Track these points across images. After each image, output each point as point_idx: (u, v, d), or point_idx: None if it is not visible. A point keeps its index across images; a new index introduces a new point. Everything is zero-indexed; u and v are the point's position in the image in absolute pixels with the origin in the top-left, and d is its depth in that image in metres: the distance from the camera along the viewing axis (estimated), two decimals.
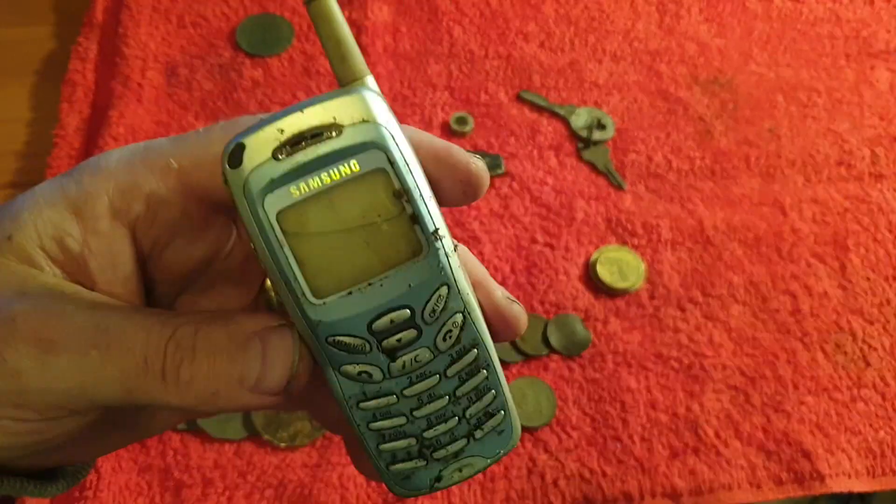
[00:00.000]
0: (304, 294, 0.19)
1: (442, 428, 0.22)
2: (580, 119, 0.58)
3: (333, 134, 0.19)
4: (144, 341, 0.20)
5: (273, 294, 0.24)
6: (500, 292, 0.23)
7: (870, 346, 0.50)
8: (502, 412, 0.23)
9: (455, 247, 0.21)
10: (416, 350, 0.21)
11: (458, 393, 0.22)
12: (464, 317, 0.21)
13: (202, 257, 0.24)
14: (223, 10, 0.62)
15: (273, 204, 0.19)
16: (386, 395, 0.21)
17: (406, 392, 0.21)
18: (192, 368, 0.20)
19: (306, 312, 0.20)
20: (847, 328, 0.51)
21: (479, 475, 0.44)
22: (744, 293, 0.52)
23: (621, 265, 0.52)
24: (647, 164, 0.57)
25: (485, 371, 0.22)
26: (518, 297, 0.51)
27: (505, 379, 0.23)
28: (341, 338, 0.20)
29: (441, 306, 0.20)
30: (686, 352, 0.49)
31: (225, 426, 0.45)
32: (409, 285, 0.20)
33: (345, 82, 0.21)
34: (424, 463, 0.22)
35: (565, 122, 0.59)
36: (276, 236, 0.19)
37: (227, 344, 0.20)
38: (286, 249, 0.19)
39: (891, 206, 0.56)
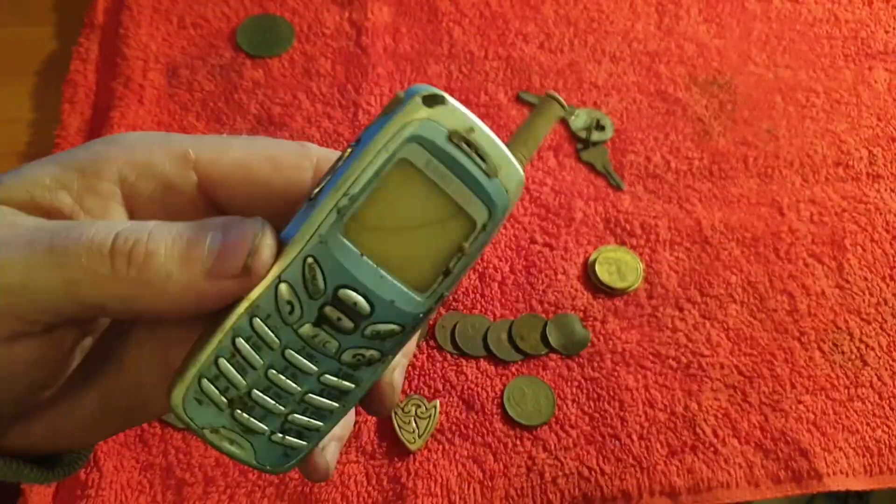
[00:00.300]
0: (343, 214, 0.20)
1: (269, 402, 0.22)
2: (579, 120, 0.59)
3: (489, 172, 0.20)
4: (93, 232, 0.19)
5: None
6: (400, 376, 0.24)
7: (867, 346, 0.50)
8: (306, 445, 0.23)
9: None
10: (332, 337, 0.21)
11: (307, 398, 0.22)
12: (379, 360, 0.22)
13: None
14: (224, 11, 0.62)
15: (409, 151, 0.20)
16: (278, 336, 0.21)
17: (287, 354, 0.21)
18: (145, 249, 0.19)
19: (327, 227, 0.20)
20: (844, 327, 0.51)
21: (479, 473, 0.45)
22: (741, 293, 0.52)
23: (620, 265, 0.52)
24: (646, 164, 0.57)
25: (337, 405, 0.22)
26: (517, 297, 0.51)
27: (334, 435, 0.23)
28: (317, 268, 0.20)
29: (383, 335, 0.21)
30: (684, 351, 0.49)
31: None
32: (392, 300, 0.21)
33: (520, 161, 0.22)
34: (223, 407, 0.21)
35: (564, 122, 0.59)
36: (382, 164, 0.20)
37: (185, 229, 0.20)
38: (377, 176, 0.20)
39: (888, 206, 0.56)
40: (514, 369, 0.48)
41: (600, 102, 0.60)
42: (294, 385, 0.21)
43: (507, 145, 0.22)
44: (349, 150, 0.21)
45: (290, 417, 0.22)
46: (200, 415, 0.21)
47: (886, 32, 0.66)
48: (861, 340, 0.51)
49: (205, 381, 0.21)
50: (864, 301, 0.52)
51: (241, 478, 0.44)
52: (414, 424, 0.45)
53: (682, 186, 0.56)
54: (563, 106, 0.23)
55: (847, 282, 0.53)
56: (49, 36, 0.62)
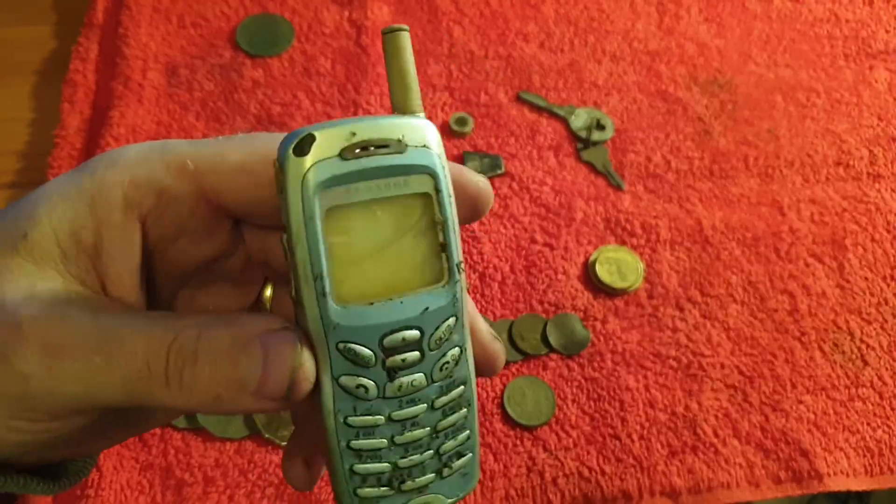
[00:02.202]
0: (328, 294, 0.20)
1: (417, 458, 0.22)
2: (579, 119, 0.59)
3: (398, 150, 0.20)
4: (146, 346, 0.20)
5: (268, 305, 0.25)
6: (486, 329, 0.24)
7: (867, 346, 0.50)
8: (471, 454, 0.23)
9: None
10: (414, 374, 0.21)
11: (440, 426, 0.22)
12: (461, 351, 0.22)
13: (205, 258, 0.24)
14: (223, 10, 0.62)
15: (326, 200, 0.19)
16: (375, 413, 0.21)
17: (394, 415, 0.21)
18: (194, 372, 0.20)
19: (327, 312, 0.20)
20: (845, 327, 0.51)
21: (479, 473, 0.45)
22: (742, 293, 0.52)
23: (620, 265, 0.52)
24: (646, 164, 0.57)
25: (466, 409, 0.22)
26: (517, 297, 0.51)
27: (478, 422, 0.23)
28: (352, 345, 0.20)
29: (447, 336, 0.21)
30: (684, 351, 0.49)
31: (226, 425, 0.45)
32: (426, 308, 0.20)
33: (401, 112, 0.22)
34: (392, 492, 0.22)
35: (565, 122, 0.59)
36: (318, 231, 0.19)
37: (229, 348, 0.21)
38: (323, 246, 0.19)
39: (889, 206, 0.56)
40: (514, 369, 0.48)
41: (601, 102, 0.60)
42: (421, 431, 0.22)
43: (394, 104, 0.21)
44: (283, 239, 0.20)
45: (441, 451, 0.22)
46: None
47: (887, 32, 0.66)
48: (862, 340, 0.51)
49: (359, 490, 0.22)
50: (864, 301, 0.52)
51: (240, 478, 0.44)
52: None
53: (683, 186, 0.56)
54: (403, 28, 0.21)
55: (848, 282, 0.53)
56: (49, 35, 0.62)
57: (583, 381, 0.48)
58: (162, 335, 0.21)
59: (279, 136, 0.23)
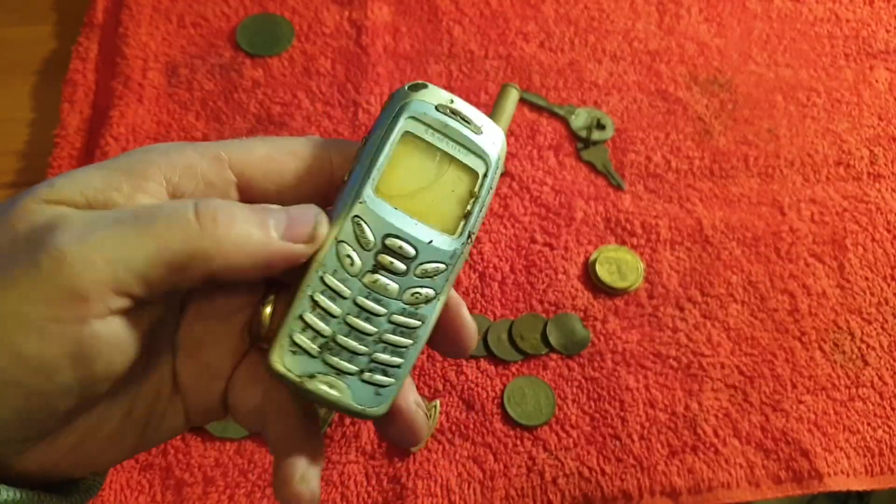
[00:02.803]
0: (371, 179, 0.24)
1: (353, 344, 0.25)
2: (579, 119, 0.59)
3: (475, 131, 0.26)
4: (172, 205, 0.22)
5: (266, 322, 0.26)
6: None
7: (868, 346, 0.50)
8: (394, 382, 0.26)
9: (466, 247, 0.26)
10: (391, 280, 0.25)
11: (384, 337, 0.25)
12: (435, 297, 0.25)
13: None
14: (223, 10, 0.62)
15: (409, 125, 0.25)
16: (346, 285, 0.24)
17: (358, 300, 0.25)
18: (228, 213, 0.22)
19: (362, 190, 0.24)
20: (845, 327, 0.51)
21: (479, 474, 0.45)
22: (742, 292, 0.52)
23: (620, 265, 0.52)
24: (647, 164, 0.57)
25: (411, 343, 0.25)
26: (517, 297, 0.51)
27: (411, 370, 0.26)
28: (364, 224, 0.24)
29: (431, 274, 0.25)
30: (685, 351, 0.49)
31: (226, 425, 0.45)
32: (431, 241, 0.25)
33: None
34: (316, 356, 0.25)
35: (565, 122, 0.59)
36: (393, 137, 0.25)
37: (253, 205, 0.23)
38: (390, 149, 0.25)
39: (889, 206, 0.56)
40: (514, 369, 0.48)
41: (601, 102, 0.60)
42: (370, 327, 0.25)
43: (493, 118, 0.27)
44: (365, 139, 0.25)
45: (373, 356, 0.25)
46: (297, 365, 0.24)
47: (887, 32, 0.66)
48: (862, 340, 0.50)
49: (296, 335, 0.24)
50: (865, 301, 0.52)
51: (240, 478, 0.44)
52: None
53: (683, 186, 0.56)
54: (517, 90, 0.29)
55: (848, 281, 0.53)
56: (48, 35, 0.62)
57: (583, 380, 0.48)
58: (183, 200, 0.22)
59: (291, 137, 0.25)
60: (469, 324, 0.27)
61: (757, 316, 0.51)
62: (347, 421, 0.46)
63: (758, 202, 0.56)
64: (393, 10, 0.63)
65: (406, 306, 0.25)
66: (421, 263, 0.25)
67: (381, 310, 0.25)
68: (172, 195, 0.23)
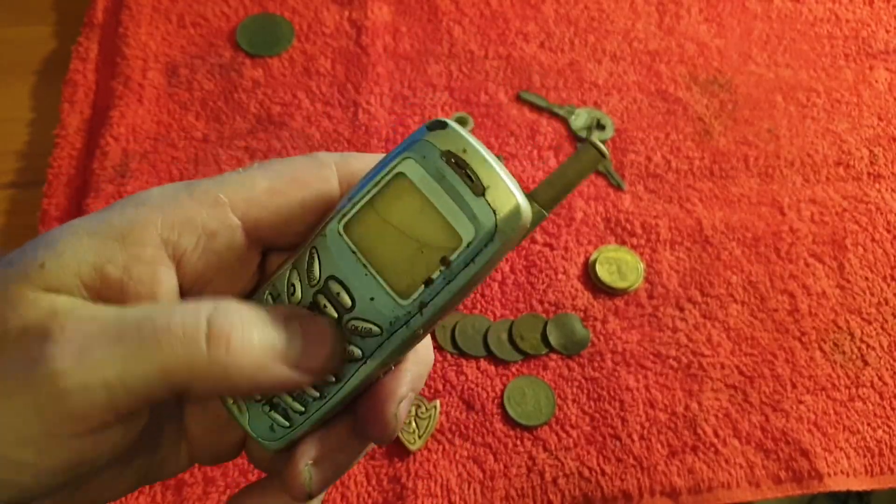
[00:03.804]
0: (343, 214, 0.22)
1: None
2: (580, 119, 0.59)
3: (476, 192, 0.21)
4: (182, 318, 0.20)
5: None
6: (401, 407, 0.24)
7: (868, 346, 0.50)
8: (289, 426, 0.24)
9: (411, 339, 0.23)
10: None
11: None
12: (359, 359, 0.23)
13: (238, 294, 0.24)
14: (223, 10, 0.62)
15: (404, 165, 0.22)
16: None
17: None
18: (243, 337, 0.20)
19: (329, 224, 0.22)
20: (845, 327, 0.51)
21: (479, 474, 0.45)
22: (742, 293, 0.52)
23: (620, 265, 0.52)
24: (646, 164, 0.57)
25: (317, 395, 0.23)
26: (517, 297, 0.51)
27: (314, 425, 0.24)
28: (316, 258, 0.23)
29: (362, 332, 0.23)
30: (685, 351, 0.49)
31: None
32: (372, 299, 0.22)
33: (533, 194, 0.23)
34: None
35: (565, 122, 0.59)
36: (381, 176, 0.22)
37: (271, 318, 0.21)
38: (374, 187, 0.22)
39: (889, 206, 0.56)
40: (514, 369, 0.48)
41: (601, 102, 0.60)
42: None
43: (541, 185, 0.23)
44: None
45: (280, 397, 0.24)
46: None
47: (887, 32, 0.66)
48: (862, 340, 0.50)
49: None
50: (864, 301, 0.52)
51: (240, 478, 0.44)
52: (414, 425, 0.45)
53: (683, 186, 0.56)
54: (601, 153, 0.22)
55: (848, 282, 0.53)
56: (48, 35, 0.62)
57: (583, 380, 0.48)
58: (197, 307, 0.20)
59: (293, 159, 0.23)
60: (400, 418, 0.24)
61: (757, 316, 0.51)
62: None
63: (758, 202, 0.56)
64: (393, 10, 0.63)
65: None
66: (354, 318, 0.22)
67: None
68: (173, 256, 0.22)
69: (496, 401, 0.47)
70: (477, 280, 0.22)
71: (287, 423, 0.24)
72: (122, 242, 0.21)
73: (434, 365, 0.48)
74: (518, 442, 0.46)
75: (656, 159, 0.57)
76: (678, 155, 0.58)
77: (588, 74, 0.61)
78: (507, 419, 0.46)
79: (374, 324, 0.22)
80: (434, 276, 0.22)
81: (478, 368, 0.48)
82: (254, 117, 0.57)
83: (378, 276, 0.22)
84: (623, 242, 0.53)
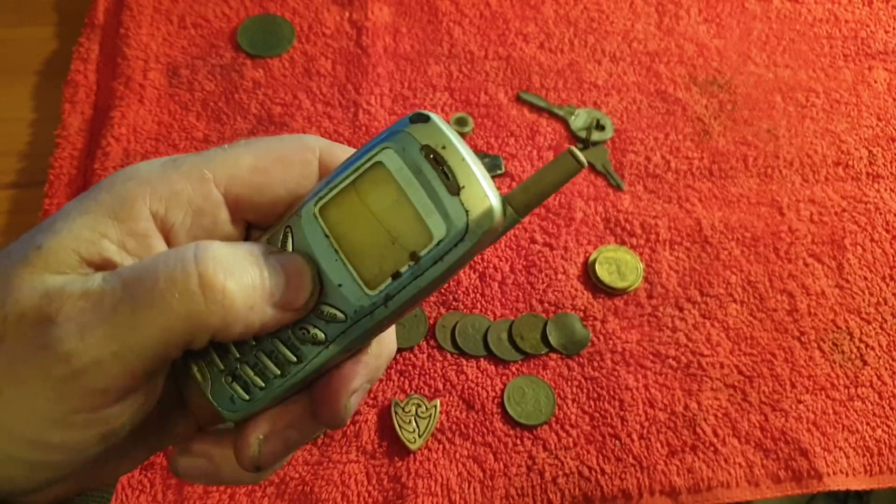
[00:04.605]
0: (318, 198, 0.23)
1: (229, 345, 0.24)
2: (579, 120, 0.59)
3: (451, 190, 0.22)
4: (170, 272, 0.20)
5: None
6: (353, 399, 0.24)
7: (867, 345, 0.50)
8: (248, 399, 0.24)
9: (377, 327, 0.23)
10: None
11: (257, 354, 0.24)
12: (322, 342, 0.23)
13: None
14: (224, 11, 0.62)
15: (383, 155, 0.22)
16: None
17: None
18: (235, 280, 0.21)
19: (304, 206, 0.23)
20: (844, 327, 0.51)
21: (479, 473, 0.45)
22: (741, 292, 0.52)
23: (620, 265, 0.52)
24: (646, 164, 0.57)
25: (278, 373, 0.24)
26: (517, 297, 0.51)
27: (274, 400, 0.24)
28: (289, 238, 0.23)
29: (326, 317, 0.23)
30: (684, 350, 0.49)
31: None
32: (340, 285, 0.22)
33: (509, 197, 0.23)
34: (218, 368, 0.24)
35: (564, 122, 0.59)
36: (360, 163, 0.22)
37: (253, 257, 0.22)
38: (352, 173, 0.22)
39: (888, 206, 0.56)
40: (514, 369, 0.48)
41: (600, 102, 0.60)
42: (251, 339, 0.24)
43: (517, 188, 0.23)
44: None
45: (240, 366, 0.24)
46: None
47: (886, 32, 0.66)
48: (861, 340, 0.51)
49: None
50: (863, 301, 0.52)
51: None
52: (414, 424, 0.45)
53: (682, 186, 0.56)
54: (578, 161, 0.22)
55: (847, 281, 0.53)
56: (50, 36, 0.62)
57: (582, 380, 0.48)
58: (181, 256, 0.20)
59: (280, 138, 0.24)
60: (350, 409, 0.24)
61: (756, 316, 0.51)
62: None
63: (757, 202, 0.56)
64: (393, 10, 0.63)
65: (290, 336, 0.23)
66: (321, 303, 0.23)
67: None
68: (161, 229, 0.22)
69: (496, 400, 0.47)
70: (445, 277, 0.22)
71: (247, 397, 0.24)
72: (116, 218, 0.21)
73: (434, 364, 0.48)
74: (518, 441, 0.46)
75: (656, 159, 0.58)
76: (677, 155, 0.58)
77: (588, 75, 0.61)
78: (507, 418, 0.46)
79: (340, 310, 0.23)
80: (402, 269, 0.22)
81: (478, 368, 0.48)
82: (254, 118, 0.57)
83: (348, 263, 0.22)
84: (622, 242, 0.54)
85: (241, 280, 0.21)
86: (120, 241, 0.21)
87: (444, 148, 0.22)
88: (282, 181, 0.23)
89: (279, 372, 0.24)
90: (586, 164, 0.23)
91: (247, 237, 0.25)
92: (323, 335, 0.23)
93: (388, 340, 0.25)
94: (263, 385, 0.24)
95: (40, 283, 0.20)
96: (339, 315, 0.23)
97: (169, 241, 0.22)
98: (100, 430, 0.20)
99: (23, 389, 0.19)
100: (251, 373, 0.24)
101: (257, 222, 0.24)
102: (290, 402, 0.24)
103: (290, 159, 0.23)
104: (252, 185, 0.23)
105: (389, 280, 0.22)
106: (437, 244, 0.21)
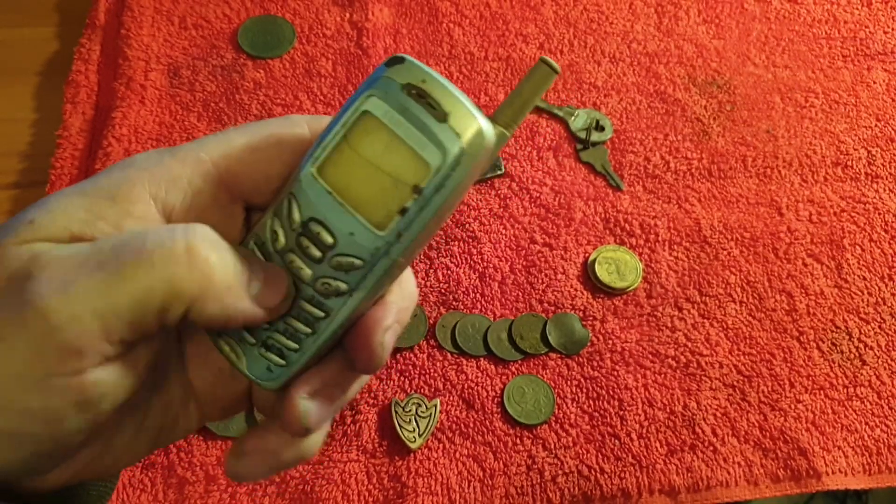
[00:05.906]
0: (314, 159, 0.23)
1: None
2: (579, 120, 0.59)
3: (438, 118, 0.22)
4: (158, 237, 0.20)
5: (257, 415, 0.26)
6: (387, 336, 0.24)
7: (865, 345, 0.51)
8: (286, 364, 0.25)
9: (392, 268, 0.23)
10: (305, 264, 0.24)
11: (286, 320, 0.24)
12: (347, 293, 0.24)
13: None
14: (225, 12, 0.63)
15: (368, 103, 0.22)
16: (267, 258, 0.24)
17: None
18: (218, 255, 0.21)
19: (302, 169, 0.23)
20: (843, 327, 0.51)
21: (479, 472, 0.45)
22: (740, 292, 0.52)
23: (619, 265, 0.52)
24: (645, 164, 0.57)
25: (310, 331, 0.24)
26: (517, 297, 0.51)
27: (310, 359, 0.25)
28: (294, 205, 0.23)
29: (345, 267, 0.23)
30: (683, 350, 0.50)
31: (228, 424, 0.45)
32: (351, 233, 0.23)
33: (494, 116, 0.23)
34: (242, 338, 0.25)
35: (564, 123, 0.59)
36: (347, 117, 0.23)
37: (235, 251, 0.22)
38: (342, 128, 0.23)
39: (886, 206, 0.57)
40: (514, 368, 0.48)
41: (600, 103, 0.60)
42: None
43: (500, 107, 0.23)
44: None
45: (272, 334, 0.24)
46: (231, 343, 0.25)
47: (885, 33, 0.66)
48: (860, 340, 0.51)
49: None
50: (862, 301, 0.52)
51: None
52: (414, 423, 0.46)
53: (682, 186, 0.57)
54: (552, 68, 0.23)
55: (846, 281, 0.53)
56: (51, 36, 0.62)
57: (582, 380, 0.48)
58: (170, 228, 0.21)
59: (268, 120, 0.24)
60: (387, 347, 0.24)
61: (755, 315, 0.51)
62: (348, 420, 0.46)
63: (756, 202, 0.56)
64: (394, 11, 0.64)
65: (315, 294, 0.24)
66: (337, 255, 0.23)
67: (292, 291, 0.24)
68: (162, 212, 0.22)
69: (496, 400, 0.47)
70: (450, 205, 0.23)
71: (283, 362, 0.24)
72: (113, 200, 0.22)
73: (434, 364, 0.48)
74: (518, 440, 0.46)
75: (655, 160, 0.58)
76: (677, 155, 0.58)
77: (587, 76, 0.62)
78: (507, 418, 0.47)
79: (357, 257, 0.23)
80: (408, 204, 0.22)
81: (478, 367, 0.48)
82: (255, 118, 0.57)
83: (355, 212, 0.23)
84: (622, 242, 0.54)
85: (223, 258, 0.21)
86: (117, 223, 0.21)
87: (424, 82, 0.22)
88: (276, 155, 0.24)
89: (310, 330, 0.24)
90: (559, 70, 0.24)
91: (247, 219, 0.25)
92: (346, 285, 0.23)
93: (407, 282, 0.26)
94: (297, 347, 0.24)
95: (28, 249, 0.20)
96: (357, 262, 0.23)
97: (169, 223, 0.23)
98: (76, 397, 0.20)
99: (2, 347, 0.19)
100: (283, 338, 0.24)
101: (256, 199, 0.25)
102: (325, 362, 0.25)
103: (280, 134, 0.24)
104: (247, 161, 0.23)
105: (398, 217, 0.22)
106: (436, 172, 0.22)
